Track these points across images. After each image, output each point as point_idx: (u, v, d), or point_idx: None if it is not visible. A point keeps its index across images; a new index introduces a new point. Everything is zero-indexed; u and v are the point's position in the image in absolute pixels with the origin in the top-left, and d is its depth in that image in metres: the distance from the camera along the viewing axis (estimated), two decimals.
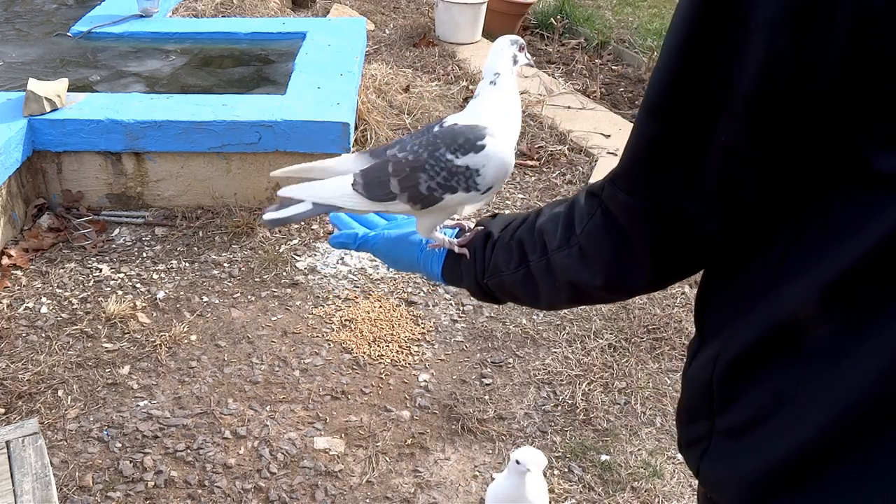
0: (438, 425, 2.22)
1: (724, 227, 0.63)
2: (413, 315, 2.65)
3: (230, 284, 2.76)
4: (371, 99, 3.86)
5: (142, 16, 4.19)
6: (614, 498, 2.01)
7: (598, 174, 3.52)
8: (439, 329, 2.60)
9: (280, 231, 3.05)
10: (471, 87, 4.31)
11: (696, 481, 0.73)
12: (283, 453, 2.10)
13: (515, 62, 0.96)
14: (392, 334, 2.56)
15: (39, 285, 2.71)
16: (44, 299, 2.64)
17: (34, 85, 2.96)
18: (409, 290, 2.77)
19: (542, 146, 3.78)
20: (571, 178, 3.59)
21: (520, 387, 2.37)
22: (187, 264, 2.85)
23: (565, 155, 3.75)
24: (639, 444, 2.19)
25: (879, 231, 0.52)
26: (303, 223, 3.10)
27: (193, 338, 2.50)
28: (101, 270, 2.79)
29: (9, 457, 1.42)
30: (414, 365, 2.44)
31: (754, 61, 0.54)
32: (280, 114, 3.01)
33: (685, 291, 2.82)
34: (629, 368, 2.46)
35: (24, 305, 2.61)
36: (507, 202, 3.37)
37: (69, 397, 2.24)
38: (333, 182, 0.94)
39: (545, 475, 1.90)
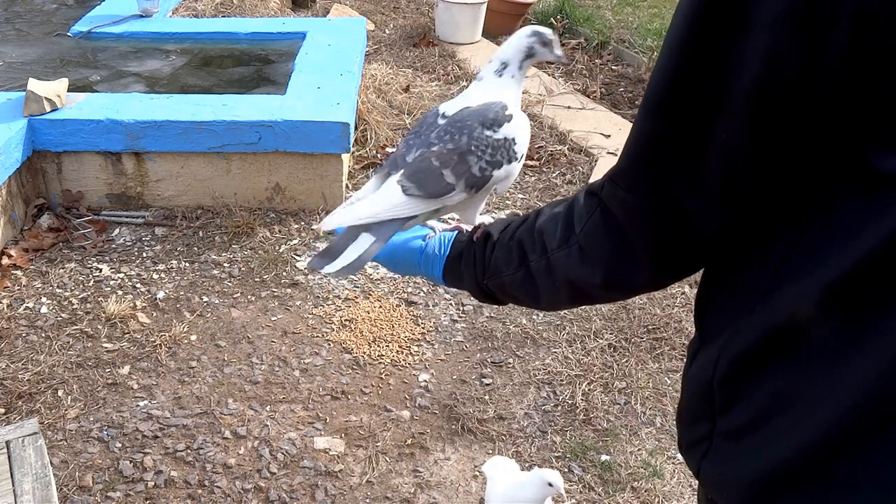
0: (438, 425, 2.22)
1: (725, 225, 0.62)
2: (413, 315, 2.65)
3: (230, 284, 2.76)
4: (371, 99, 3.86)
5: (142, 16, 4.19)
6: (614, 498, 2.01)
7: (598, 174, 3.51)
8: (439, 329, 2.60)
9: (280, 231, 3.05)
10: None
11: (697, 481, 0.73)
12: (283, 453, 2.10)
13: (531, 55, 0.94)
14: (392, 334, 2.56)
15: (39, 285, 2.71)
16: (44, 299, 2.64)
17: (34, 85, 2.96)
18: (409, 290, 2.77)
19: (542, 146, 3.78)
20: (571, 178, 3.58)
21: (520, 387, 2.37)
22: (187, 264, 2.85)
23: (565, 155, 3.75)
24: (639, 444, 2.18)
25: (880, 232, 0.52)
26: (302, 222, 3.10)
27: (193, 338, 2.50)
28: (101, 270, 2.79)
29: (9, 457, 1.42)
30: (414, 365, 2.44)
31: (754, 60, 0.54)
32: (280, 114, 3.01)
33: (685, 291, 2.82)
34: (629, 368, 2.45)
35: (24, 305, 2.61)
36: (507, 202, 3.37)
37: (69, 397, 2.24)
38: (377, 198, 0.89)
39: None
